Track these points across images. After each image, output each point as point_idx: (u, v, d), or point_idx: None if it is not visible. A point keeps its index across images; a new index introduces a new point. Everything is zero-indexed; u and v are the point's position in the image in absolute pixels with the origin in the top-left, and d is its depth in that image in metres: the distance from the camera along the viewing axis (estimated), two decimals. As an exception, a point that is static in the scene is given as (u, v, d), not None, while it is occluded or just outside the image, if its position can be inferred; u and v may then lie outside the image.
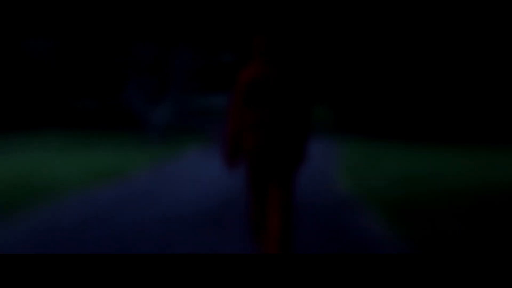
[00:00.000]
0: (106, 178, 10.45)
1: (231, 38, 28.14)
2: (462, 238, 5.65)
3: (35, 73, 28.06)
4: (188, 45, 24.85)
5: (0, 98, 27.40)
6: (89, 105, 29.28)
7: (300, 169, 12.05)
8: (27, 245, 5.33)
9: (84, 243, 5.45)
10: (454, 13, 22.18)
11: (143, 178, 10.50)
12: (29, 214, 6.85)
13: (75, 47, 27.55)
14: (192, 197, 8.23)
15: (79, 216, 6.73)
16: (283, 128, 4.51)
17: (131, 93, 23.74)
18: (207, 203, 7.71)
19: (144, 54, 24.11)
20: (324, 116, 33.89)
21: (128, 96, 23.79)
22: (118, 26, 23.93)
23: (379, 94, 25.65)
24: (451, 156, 15.50)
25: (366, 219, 6.71)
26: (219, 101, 34.25)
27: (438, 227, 6.19)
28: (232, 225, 6.29)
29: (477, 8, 21.61)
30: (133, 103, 23.58)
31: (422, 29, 23.18)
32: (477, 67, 22.57)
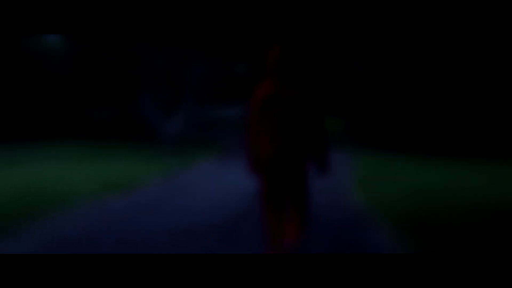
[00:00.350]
0: (119, 189, 10.49)
1: (245, 49, 28.26)
2: (476, 252, 5.56)
3: (50, 83, 28.31)
4: (202, 55, 24.99)
5: (16, 108, 27.69)
6: (103, 115, 29.48)
7: (320, 178, 12.11)
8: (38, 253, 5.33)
9: (94, 252, 5.40)
10: (470, 27, 22.15)
11: (155, 189, 10.51)
12: (40, 224, 6.88)
13: (90, 57, 27.78)
14: (203, 209, 8.20)
15: (89, 226, 6.70)
16: (295, 140, 4.82)
17: (145, 103, 23.89)
18: (219, 215, 7.67)
19: (158, 64, 24.28)
20: (336, 128, 33.83)
21: (142, 107, 23.94)
22: (132, 35, 24.13)
23: (392, 107, 25.60)
24: (466, 170, 15.42)
25: (378, 232, 6.64)
26: (233, 112, 34.29)
27: (452, 241, 6.10)
28: (244, 238, 6.24)
29: (493, 21, 21.56)
30: (147, 113, 23.73)
31: (440, 44, 23.17)
32: (493, 81, 22.50)
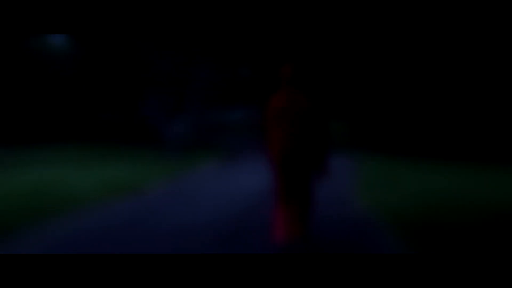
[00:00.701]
0: (123, 192, 10.51)
1: (249, 53, 28.29)
2: (477, 253, 5.54)
3: (56, 86, 28.40)
4: (207, 59, 25.03)
5: (22, 111, 27.76)
6: (108, 119, 29.53)
7: (322, 177, 12.28)
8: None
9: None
10: (476, 34, 22.14)
11: (159, 192, 10.51)
12: (45, 226, 6.88)
13: (97, 61, 27.86)
14: (206, 213, 8.22)
15: (94, 229, 6.69)
16: (303, 143, 5.63)
17: (150, 107, 23.94)
18: (222, 219, 7.68)
19: (163, 68, 24.33)
20: (340, 132, 33.85)
21: (147, 110, 23.98)
22: (138, 39, 24.17)
23: (394, 111, 25.58)
24: (468, 173, 15.40)
25: (382, 235, 6.60)
26: (237, 116, 34.24)
27: (454, 243, 6.07)
28: (247, 241, 6.24)
29: (498, 28, 21.55)
30: (152, 117, 23.78)
31: (443, 49, 23.16)
32: (494, 86, 22.47)
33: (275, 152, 5.69)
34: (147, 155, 21.02)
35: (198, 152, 23.02)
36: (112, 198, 9.68)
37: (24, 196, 9.60)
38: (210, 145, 27.10)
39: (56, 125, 28.76)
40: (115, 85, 27.89)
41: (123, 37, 25.22)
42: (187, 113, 23.78)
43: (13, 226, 7.01)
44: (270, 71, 28.45)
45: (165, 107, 24.00)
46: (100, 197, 9.73)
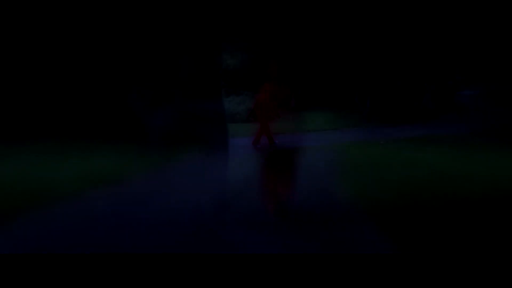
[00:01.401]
0: (104, 184, 10.41)
1: (234, 43, 28.27)
2: (466, 246, 5.53)
3: (35, 78, 28.09)
4: (192, 49, 24.91)
5: (2, 107, 27.44)
6: (91, 110, 29.28)
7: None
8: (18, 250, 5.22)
9: (74, 249, 5.29)
10: (471, 30, 22.30)
11: (139, 184, 10.48)
12: (24, 220, 6.81)
13: (77, 54, 27.58)
14: (188, 205, 8.16)
15: (74, 222, 6.65)
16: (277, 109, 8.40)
17: (131, 97, 23.78)
18: (204, 209, 7.65)
19: (146, 58, 24.16)
20: (325, 120, 34.18)
21: (129, 101, 23.83)
22: (122, 31, 23.98)
23: (377, 97, 25.75)
24: (455, 157, 15.44)
25: (363, 222, 6.57)
26: (222, 107, 34.17)
27: (439, 233, 6.06)
28: (230, 232, 6.19)
29: (495, 24, 21.71)
30: (133, 107, 23.61)
31: (430, 42, 23.31)
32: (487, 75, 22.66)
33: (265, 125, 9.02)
34: (130, 146, 20.90)
35: (181, 143, 22.92)
36: (93, 189, 9.58)
37: (3, 190, 9.43)
38: (192, 137, 26.99)
39: (35, 119, 28.47)
40: (96, 78, 27.64)
41: (105, 29, 24.99)
42: (169, 105, 23.65)
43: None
44: (254, 62, 28.44)
45: (149, 97, 23.86)
46: (81, 188, 9.64)
